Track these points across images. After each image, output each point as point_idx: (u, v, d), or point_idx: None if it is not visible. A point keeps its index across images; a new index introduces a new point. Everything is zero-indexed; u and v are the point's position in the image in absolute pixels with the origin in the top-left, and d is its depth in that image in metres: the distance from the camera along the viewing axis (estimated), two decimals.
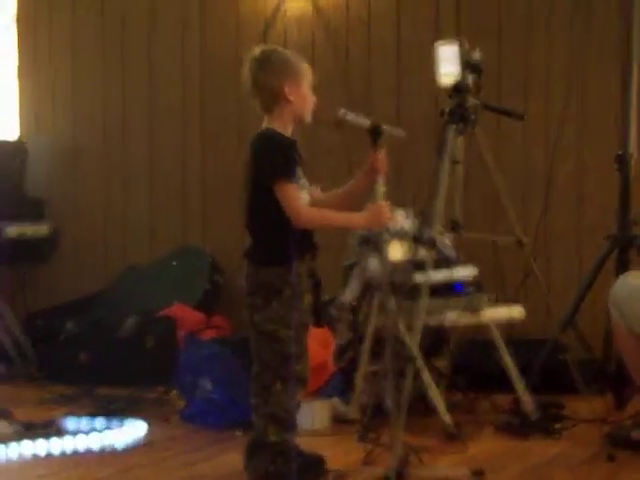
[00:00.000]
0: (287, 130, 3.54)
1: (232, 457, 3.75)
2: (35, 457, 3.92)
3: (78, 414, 4.50)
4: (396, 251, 4.51)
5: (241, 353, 4.13)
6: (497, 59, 5.55)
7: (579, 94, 5.40)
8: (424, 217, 4.22)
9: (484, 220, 4.61)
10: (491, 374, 4.71)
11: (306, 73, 3.55)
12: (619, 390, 4.65)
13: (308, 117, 3.58)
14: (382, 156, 3.53)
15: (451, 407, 4.48)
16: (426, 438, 4.09)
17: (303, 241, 3.51)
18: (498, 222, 4.83)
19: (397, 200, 4.43)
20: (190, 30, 6.22)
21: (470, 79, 4.19)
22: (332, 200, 3.61)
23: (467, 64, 4.16)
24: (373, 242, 4.47)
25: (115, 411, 4.57)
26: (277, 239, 3.47)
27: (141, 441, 4.16)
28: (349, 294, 4.56)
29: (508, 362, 4.46)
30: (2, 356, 5.83)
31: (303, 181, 3.54)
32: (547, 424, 4.28)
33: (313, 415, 4.33)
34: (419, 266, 4.23)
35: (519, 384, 4.41)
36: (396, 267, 4.47)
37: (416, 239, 4.19)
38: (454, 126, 4.19)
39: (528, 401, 4.39)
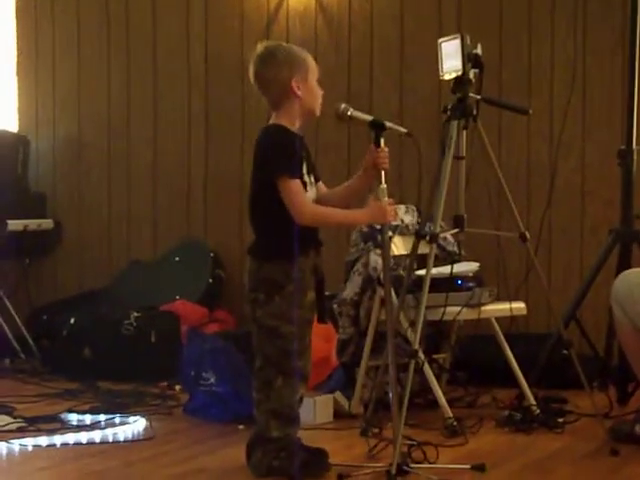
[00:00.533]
0: (295, 126, 3.52)
1: (235, 451, 3.76)
2: (37, 450, 3.93)
3: (82, 409, 4.52)
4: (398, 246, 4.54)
5: (244, 347, 4.13)
6: (499, 54, 5.56)
7: (582, 89, 5.40)
8: (426, 212, 4.22)
9: (487, 215, 4.61)
10: (492, 369, 4.72)
11: (312, 67, 3.55)
12: (622, 385, 4.66)
13: (317, 111, 3.57)
14: (384, 152, 3.53)
15: (452, 402, 4.50)
16: (428, 432, 4.09)
17: (307, 237, 3.50)
18: (501, 217, 4.83)
19: (399, 196, 4.46)
20: (194, 25, 6.23)
21: (472, 74, 4.18)
22: (334, 197, 3.61)
23: (469, 59, 4.16)
24: (375, 238, 4.48)
25: (118, 405, 4.59)
26: (281, 235, 3.46)
27: (144, 435, 4.17)
28: (351, 289, 4.57)
29: (510, 357, 4.46)
30: (6, 351, 5.85)
31: (308, 177, 3.53)
32: (549, 419, 4.29)
33: (315, 410, 4.34)
34: (421, 261, 4.24)
35: (521, 379, 4.41)
36: (398, 262, 4.49)
37: (418, 234, 4.19)
38: (457, 122, 4.18)
39: (530, 396, 4.40)
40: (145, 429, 4.23)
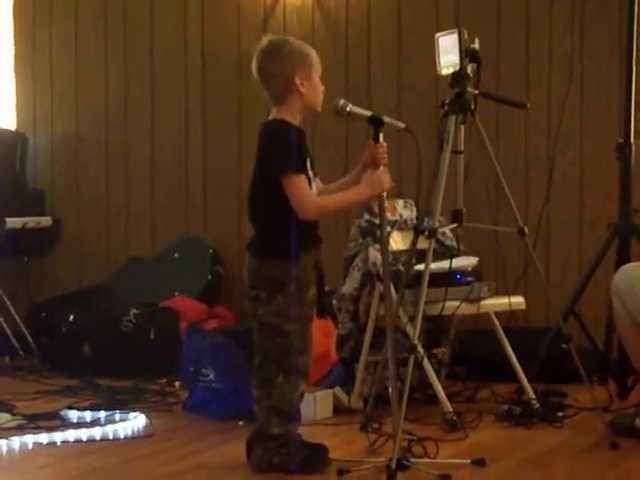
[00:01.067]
0: (296, 121, 3.50)
1: (235, 447, 3.76)
2: (37, 447, 3.93)
3: (81, 406, 4.52)
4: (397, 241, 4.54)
5: (244, 343, 4.13)
6: (497, 48, 5.56)
7: (579, 82, 5.39)
8: (424, 207, 4.22)
9: (485, 210, 4.61)
10: (492, 363, 4.72)
11: (316, 63, 3.53)
12: (621, 378, 4.66)
13: (319, 107, 3.56)
14: (383, 148, 3.52)
15: (452, 396, 4.50)
16: (427, 427, 4.09)
17: (308, 234, 3.50)
18: (499, 211, 4.83)
19: (397, 191, 4.45)
20: (191, 20, 6.22)
21: (470, 68, 4.18)
22: (332, 192, 3.59)
23: (466, 53, 4.16)
24: (374, 233, 4.48)
25: (118, 402, 4.59)
26: (282, 232, 3.44)
27: (144, 431, 4.17)
28: (350, 285, 4.57)
29: (509, 351, 4.47)
30: (5, 348, 5.85)
31: (311, 172, 3.52)
32: (549, 413, 4.29)
33: (315, 405, 4.34)
34: (419, 256, 4.24)
35: (520, 373, 4.42)
36: (397, 257, 4.48)
37: (416, 229, 4.19)
38: (454, 116, 4.18)
39: (529, 390, 4.40)
40: (145, 426, 4.23)
